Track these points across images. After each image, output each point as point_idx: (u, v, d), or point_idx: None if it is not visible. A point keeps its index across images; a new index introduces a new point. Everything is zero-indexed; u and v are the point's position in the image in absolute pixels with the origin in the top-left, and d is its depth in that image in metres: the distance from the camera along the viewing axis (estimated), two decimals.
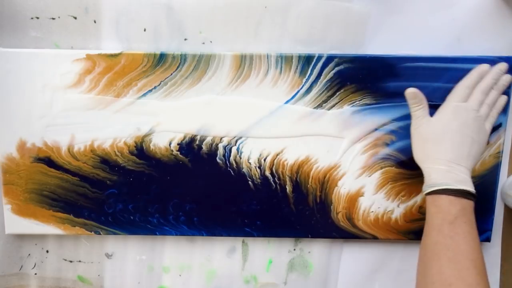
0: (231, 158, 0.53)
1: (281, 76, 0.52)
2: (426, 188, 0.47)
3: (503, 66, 0.49)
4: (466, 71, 0.50)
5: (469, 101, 0.48)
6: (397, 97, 0.52)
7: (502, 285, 0.57)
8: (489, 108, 0.49)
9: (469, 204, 0.45)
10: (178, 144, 0.53)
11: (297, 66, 0.51)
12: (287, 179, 0.54)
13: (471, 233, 0.43)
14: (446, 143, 0.46)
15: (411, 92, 0.49)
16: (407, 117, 0.52)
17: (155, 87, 0.52)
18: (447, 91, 0.51)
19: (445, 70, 0.51)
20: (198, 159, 0.53)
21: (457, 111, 0.47)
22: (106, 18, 0.52)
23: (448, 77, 0.51)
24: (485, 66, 0.49)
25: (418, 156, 0.49)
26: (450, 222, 0.43)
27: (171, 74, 0.52)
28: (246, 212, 0.54)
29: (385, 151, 0.53)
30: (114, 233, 0.55)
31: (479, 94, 0.48)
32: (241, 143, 0.53)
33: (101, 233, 0.55)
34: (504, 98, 0.50)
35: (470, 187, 0.45)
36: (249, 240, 0.57)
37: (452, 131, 0.47)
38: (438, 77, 0.51)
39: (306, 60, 0.51)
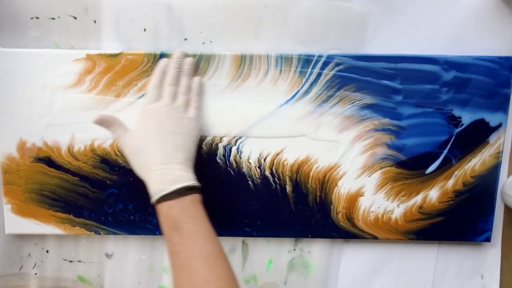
0: (231, 158, 0.53)
1: (281, 76, 0.52)
2: (152, 200, 0.45)
3: (178, 53, 0.50)
4: (465, 72, 0.51)
5: (161, 99, 0.48)
6: (397, 97, 0.52)
7: (502, 285, 0.57)
8: (186, 95, 0.49)
9: (190, 199, 0.43)
10: None
11: (297, 66, 0.51)
12: (287, 179, 0.54)
13: (196, 230, 0.42)
14: (150, 150, 0.46)
15: (96, 120, 0.47)
16: (407, 117, 0.52)
17: None
18: (443, 94, 0.51)
19: (443, 71, 0.51)
20: (198, 158, 0.53)
21: (149, 114, 0.47)
22: (106, 18, 0.52)
23: (445, 79, 0.51)
24: (164, 61, 0.50)
25: (137, 171, 0.47)
26: (174, 228, 0.42)
27: None
28: (246, 212, 0.54)
29: (385, 151, 0.53)
30: (114, 233, 0.55)
31: (168, 88, 0.49)
32: (241, 143, 0.53)
33: (101, 233, 0.55)
34: (197, 79, 0.51)
35: (187, 181, 0.44)
36: (249, 240, 0.57)
37: (150, 135, 0.46)
38: (436, 78, 0.51)
39: (306, 60, 0.51)
